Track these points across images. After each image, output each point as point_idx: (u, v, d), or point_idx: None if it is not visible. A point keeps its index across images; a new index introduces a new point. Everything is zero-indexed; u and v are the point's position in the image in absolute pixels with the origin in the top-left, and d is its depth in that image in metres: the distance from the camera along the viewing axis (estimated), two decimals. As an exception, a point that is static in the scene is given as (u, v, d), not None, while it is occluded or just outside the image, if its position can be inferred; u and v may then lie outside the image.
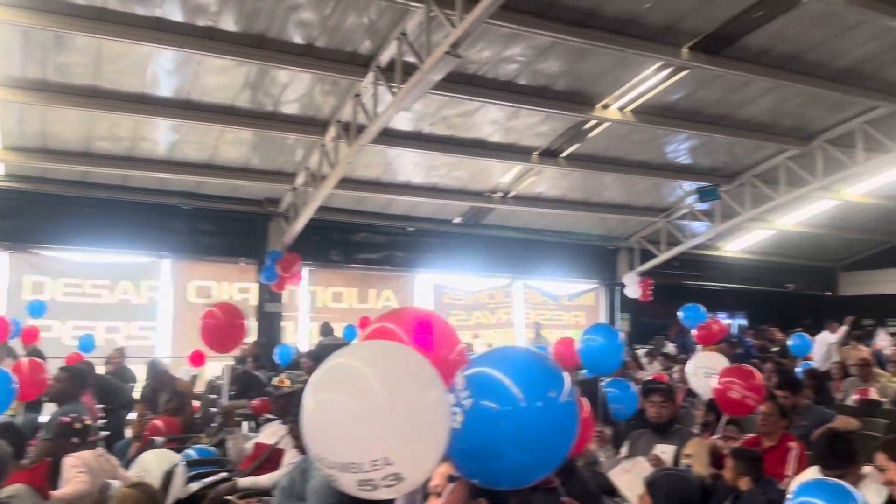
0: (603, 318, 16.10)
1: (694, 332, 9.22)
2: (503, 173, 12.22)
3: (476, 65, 8.57)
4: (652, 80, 9.28)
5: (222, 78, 8.59)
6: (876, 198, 14.11)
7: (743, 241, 16.36)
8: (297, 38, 7.78)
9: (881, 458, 3.14)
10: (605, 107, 9.93)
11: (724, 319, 17.58)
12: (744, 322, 17.13)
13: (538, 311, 15.15)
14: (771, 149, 11.82)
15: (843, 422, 5.57)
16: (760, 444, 4.52)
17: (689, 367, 5.74)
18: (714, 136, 11.06)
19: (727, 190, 12.82)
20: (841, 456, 3.38)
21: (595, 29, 7.82)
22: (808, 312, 16.48)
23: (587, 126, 10.65)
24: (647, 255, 15.15)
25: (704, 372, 5.26)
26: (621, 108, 10.02)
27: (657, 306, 15.42)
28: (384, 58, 7.93)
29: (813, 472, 3.48)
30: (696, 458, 4.02)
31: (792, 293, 17.61)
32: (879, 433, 5.69)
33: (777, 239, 16.31)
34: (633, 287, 14.90)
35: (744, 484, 3.48)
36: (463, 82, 8.85)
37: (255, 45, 7.79)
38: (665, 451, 4.17)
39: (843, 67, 9.16)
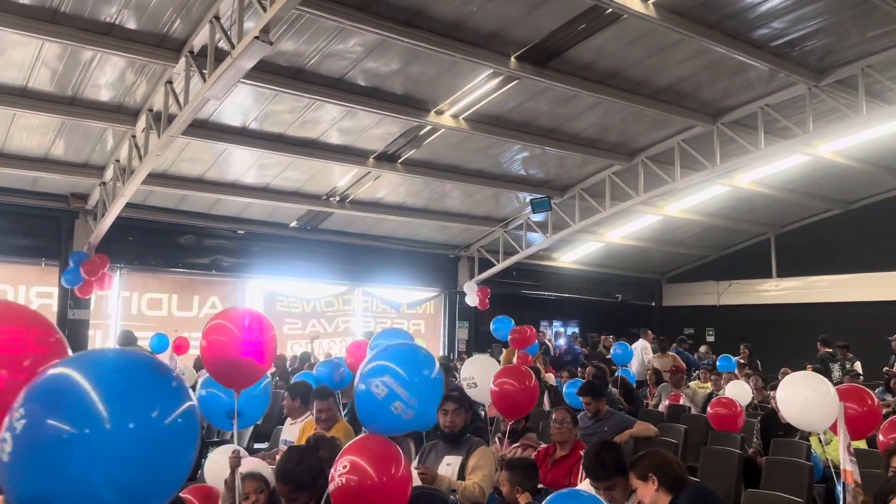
0: (443, 327, 16.10)
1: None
2: (341, 176, 11.83)
3: (303, 58, 8.15)
4: (483, 88, 9.28)
5: (14, 54, 7.59)
6: (695, 214, 15.11)
7: (576, 253, 16.98)
8: (99, 15, 6.99)
9: (631, 476, 3.10)
10: (440, 112, 9.84)
11: (558, 327, 18.26)
12: (576, 330, 17.77)
13: (378, 320, 14.84)
14: (598, 163, 12.28)
15: (641, 427, 5.68)
16: (554, 454, 4.42)
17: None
18: (546, 149, 11.29)
19: (559, 202, 13.19)
20: (608, 466, 3.30)
21: (423, 30, 7.65)
22: (636, 321, 17.38)
23: (423, 131, 10.52)
24: (486, 264, 15.32)
25: (467, 383, 5.15)
26: (455, 115, 9.96)
27: (495, 315, 15.62)
28: (197, 42, 7.33)
29: (586, 484, 3.37)
30: (480, 469, 3.84)
31: (621, 303, 18.53)
32: (677, 440, 5.86)
33: (607, 251, 17.08)
34: (472, 295, 14.98)
35: (522, 500, 3.30)
36: (290, 76, 8.42)
37: (47, 19, 6.92)
38: (451, 462, 3.96)
39: (662, 86, 9.61)
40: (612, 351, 10.80)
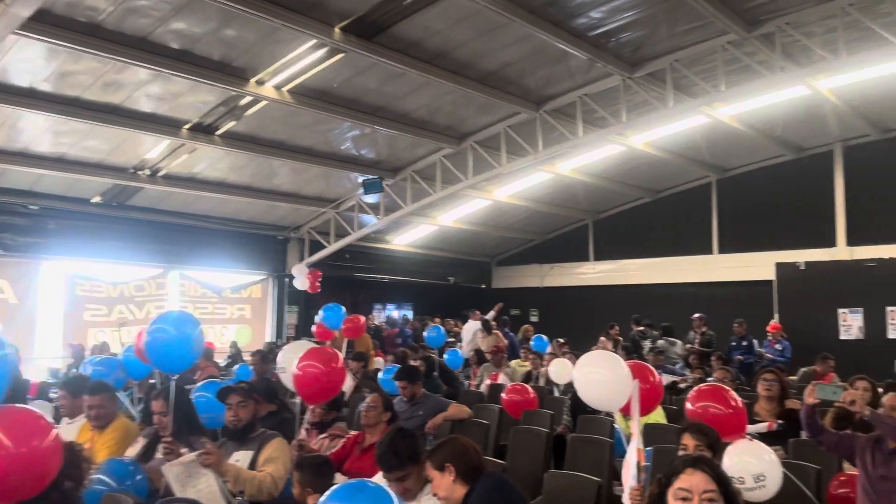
0: (271, 311, 15.44)
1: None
2: (151, 148, 10.83)
3: (99, 13, 7.26)
4: (308, 59, 8.82)
5: None
6: (522, 199, 15.56)
7: (410, 236, 16.94)
8: None
9: (427, 466, 2.96)
10: (261, 83, 9.24)
11: (392, 310, 18.18)
12: (409, 313, 17.78)
13: (197, 305, 13.88)
14: (429, 146, 12.22)
15: (455, 410, 5.60)
16: (363, 441, 4.19)
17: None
18: (376, 128, 11.03)
19: (391, 184, 13.00)
20: (401, 455, 3.12)
21: (235, -11, 7.07)
22: (467, 303, 17.69)
23: (244, 102, 9.85)
24: (317, 246, 14.84)
25: (279, 370, 4.84)
26: (278, 87, 9.42)
27: (328, 299, 15.20)
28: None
29: (379, 476, 3.17)
30: (272, 461, 3.52)
31: (453, 285, 18.78)
32: (491, 420, 5.87)
33: (440, 234, 17.19)
34: (301, 279, 14.45)
35: (311, 501, 3.03)
36: (85, 32, 7.48)
37: None
38: (240, 458, 3.60)
39: (488, 70, 9.66)
40: (426, 333, 10.78)
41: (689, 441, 3.37)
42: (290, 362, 4.78)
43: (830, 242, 14.00)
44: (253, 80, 9.13)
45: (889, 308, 11.83)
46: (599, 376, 3.37)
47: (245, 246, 14.52)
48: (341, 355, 4.52)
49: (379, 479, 3.13)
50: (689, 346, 11.93)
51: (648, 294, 15.91)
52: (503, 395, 6.67)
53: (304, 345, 5.24)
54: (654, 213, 16.65)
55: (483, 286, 19.58)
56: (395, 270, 17.49)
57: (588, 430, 5.61)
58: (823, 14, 8.64)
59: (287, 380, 4.74)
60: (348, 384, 6.94)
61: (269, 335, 15.09)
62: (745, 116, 12.15)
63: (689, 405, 4.02)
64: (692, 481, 2.08)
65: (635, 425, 3.21)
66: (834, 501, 4.03)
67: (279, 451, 3.61)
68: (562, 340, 11.67)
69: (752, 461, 3.64)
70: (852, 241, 13.78)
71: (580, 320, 15.72)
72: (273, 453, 3.58)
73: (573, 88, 10.53)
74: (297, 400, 5.22)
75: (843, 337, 12.19)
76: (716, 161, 15.17)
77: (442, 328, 11.14)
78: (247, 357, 10.77)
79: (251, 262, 14.83)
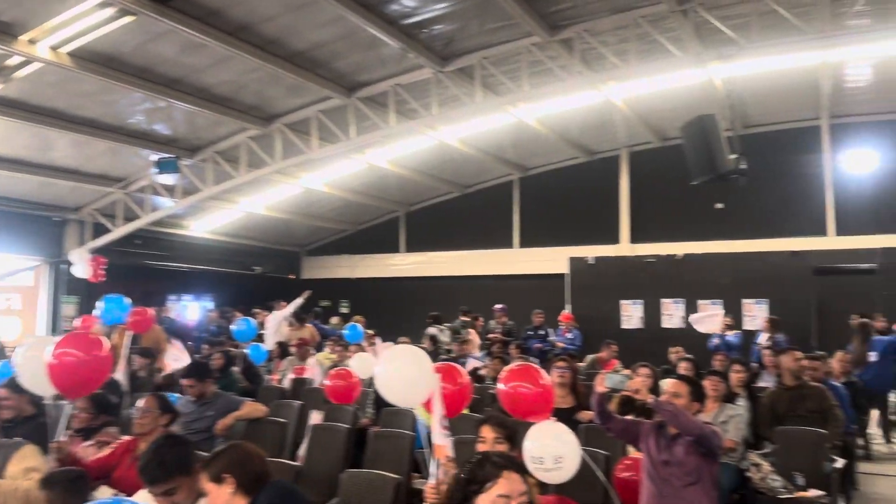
0: (45, 301, 13.70)
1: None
2: None
3: None
4: (92, 18, 7.83)
5: None
6: (335, 188, 15.20)
7: (211, 221, 15.90)
8: None
9: (203, 478, 2.64)
10: (33, 42, 8.07)
11: (190, 301, 16.98)
12: (210, 305, 16.72)
13: (-50, 294, 11.95)
14: (233, 125, 11.49)
15: (248, 408, 5.23)
16: (136, 449, 3.70)
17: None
18: (172, 102, 10.13)
19: (190, 164, 12.07)
20: (169, 465, 2.76)
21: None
22: (274, 294, 16.98)
23: (12, 63, 8.55)
24: (101, 230, 13.39)
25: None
26: (55, 48, 8.28)
27: (115, 288, 13.83)
28: None
29: (143, 495, 2.77)
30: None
31: (259, 276, 17.97)
32: (290, 418, 5.55)
33: (247, 221, 16.34)
34: (82, 266, 12.96)
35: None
36: None
37: None
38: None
39: (298, 49, 9.23)
40: (234, 327, 10.16)
41: (487, 433, 3.34)
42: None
43: (616, 239, 15.24)
44: (24, 38, 7.94)
45: (664, 300, 13.08)
46: (401, 374, 3.22)
47: (14, 227, 12.72)
48: (106, 344, 3.92)
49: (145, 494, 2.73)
50: (491, 335, 12.37)
51: (455, 286, 16.29)
52: (327, 381, 6.33)
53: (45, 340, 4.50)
54: (462, 207, 17.08)
55: (292, 277, 18.94)
56: (195, 259, 16.33)
57: (391, 424, 5.49)
58: (617, 24, 9.26)
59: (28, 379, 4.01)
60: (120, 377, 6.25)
61: (42, 328, 13.40)
62: (547, 119, 12.79)
63: (501, 385, 4.06)
64: (512, 487, 1.96)
65: (436, 422, 3.10)
66: (620, 484, 4.25)
67: (35, 461, 3.05)
68: (371, 332, 11.55)
69: (552, 443, 3.72)
70: (635, 238, 15.10)
71: (391, 312, 15.74)
72: (29, 463, 3.02)
73: (386, 77, 10.41)
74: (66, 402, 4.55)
75: (624, 326, 13.28)
76: (519, 160, 15.88)
77: (252, 320, 10.51)
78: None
79: (21, 245, 13.04)
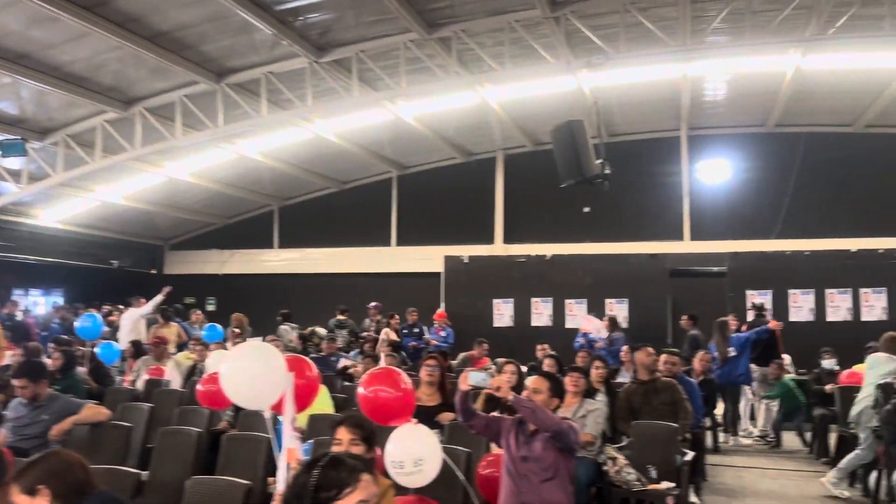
0: None
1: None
2: None
3: None
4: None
5: None
6: (203, 179, 14.46)
7: (62, 210, 14.68)
8: None
9: (13, 491, 2.35)
10: None
11: (39, 296, 15.65)
12: (60, 300, 15.46)
13: None
14: (88, 107, 10.64)
15: (89, 412, 4.81)
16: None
17: None
18: (19, 79, 9.24)
19: (38, 148, 11.08)
20: None
21: None
22: (133, 291, 15.95)
23: None
24: (-67, 217, 12.04)
25: None
26: None
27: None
28: None
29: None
30: None
31: (117, 270, 16.82)
32: (137, 421, 5.15)
33: (103, 211, 15.21)
34: None
35: None
36: None
37: None
38: None
39: (161, 29, 8.66)
40: (77, 324, 9.36)
41: (343, 434, 3.20)
42: None
43: (491, 240, 15.51)
44: None
45: (533, 299, 13.44)
46: (247, 372, 3.01)
47: None
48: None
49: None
50: (366, 333, 12.22)
51: (331, 283, 15.97)
52: (199, 387, 5.85)
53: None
54: (339, 203, 16.77)
55: (153, 271, 17.87)
56: (44, 250, 15.04)
57: (250, 427, 5.22)
58: (493, 26, 9.37)
59: None
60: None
61: None
62: (425, 117, 12.80)
63: (361, 389, 3.95)
64: (370, 490, 1.83)
65: (287, 424, 2.93)
66: (482, 481, 4.24)
67: None
68: (237, 330, 11.07)
69: (413, 445, 3.66)
70: (508, 239, 15.43)
71: (262, 309, 15.14)
72: None
73: (258, 64, 10.00)
74: None
75: (496, 324, 13.53)
76: (397, 157, 15.81)
77: (98, 316, 9.72)
78: None
79: None
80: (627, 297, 12.90)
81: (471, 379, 3.83)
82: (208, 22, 8.64)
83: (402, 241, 16.41)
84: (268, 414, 3.17)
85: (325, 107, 10.61)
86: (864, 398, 6.44)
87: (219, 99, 10.26)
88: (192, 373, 8.14)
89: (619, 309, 12.76)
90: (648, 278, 12.92)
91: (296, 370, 3.07)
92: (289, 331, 11.74)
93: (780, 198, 13.73)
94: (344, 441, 3.16)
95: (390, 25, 9.25)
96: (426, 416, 5.49)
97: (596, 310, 12.59)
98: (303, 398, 3.16)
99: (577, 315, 12.78)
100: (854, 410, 6.54)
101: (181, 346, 10.71)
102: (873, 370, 6.53)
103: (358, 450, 3.07)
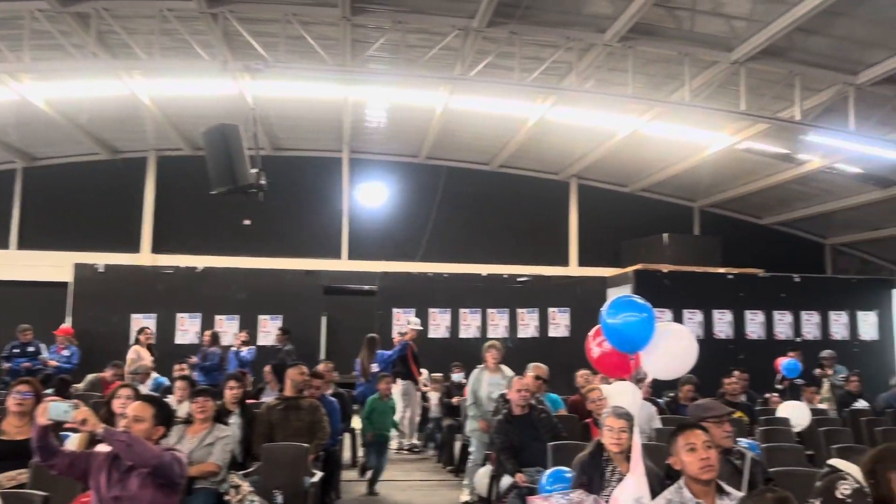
0: None
1: None
2: None
3: None
4: None
5: None
6: None
7: None
8: None
9: None
10: None
11: None
12: None
13: None
14: None
15: None
16: None
17: None
18: None
19: None
20: None
21: None
22: None
23: None
24: None
25: None
26: None
27: None
28: None
29: None
30: None
31: None
32: None
33: None
34: None
35: None
36: None
37: None
38: None
39: None
40: None
41: None
42: None
43: (136, 248, 14.05)
44: None
45: (179, 314, 12.43)
46: None
47: None
48: None
49: None
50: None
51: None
52: None
53: None
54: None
55: None
56: None
57: None
58: (144, 12, 8.50)
59: None
60: None
61: None
62: (60, 103, 11.14)
63: None
64: None
65: None
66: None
67: None
68: None
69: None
70: (157, 248, 14.14)
71: None
72: None
73: None
74: None
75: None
76: (25, 146, 13.54)
77: None
78: None
79: None
80: (282, 312, 12.66)
81: (51, 412, 3.18)
82: None
83: (24, 245, 14.00)
84: None
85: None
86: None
87: None
88: None
89: (273, 325, 12.45)
90: (304, 295, 12.86)
91: None
92: None
93: (426, 224, 14.86)
94: None
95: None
96: (13, 453, 4.57)
97: (249, 326, 12.10)
98: None
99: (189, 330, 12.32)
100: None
101: None
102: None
103: None
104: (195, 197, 13.59)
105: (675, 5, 8.17)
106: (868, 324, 13.20)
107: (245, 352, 10.90)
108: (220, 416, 5.65)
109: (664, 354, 3.56)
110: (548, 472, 4.72)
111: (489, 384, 7.08)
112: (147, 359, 9.94)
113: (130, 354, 10.05)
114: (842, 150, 10.96)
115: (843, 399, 9.15)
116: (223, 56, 8.69)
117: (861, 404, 8.83)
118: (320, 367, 7.54)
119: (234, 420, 5.98)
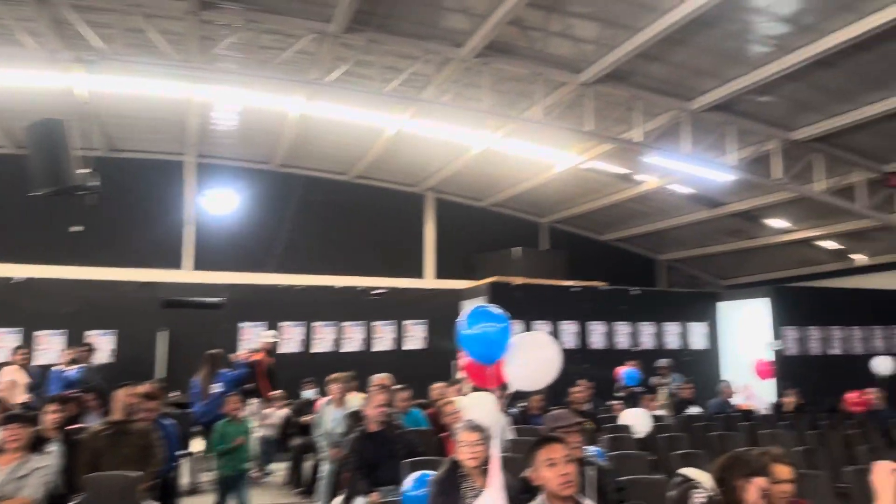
0: None
1: None
2: None
3: None
4: None
5: None
6: None
7: None
8: None
9: None
10: None
11: None
12: None
13: None
14: None
15: None
16: None
17: None
18: None
19: None
20: None
21: None
22: None
23: None
24: None
25: None
26: None
27: None
28: None
29: None
30: None
31: None
32: None
33: None
34: None
35: None
36: None
37: None
38: None
39: None
40: None
41: None
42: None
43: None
44: None
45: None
46: None
47: None
48: None
49: None
50: None
51: None
52: None
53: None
54: None
55: None
56: None
57: None
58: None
59: None
60: None
61: None
62: None
63: None
64: None
65: None
66: None
67: None
68: None
69: None
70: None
71: None
72: None
73: None
74: None
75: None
76: None
77: None
78: None
79: None
80: (116, 328, 11.61)
81: None
82: None
83: None
84: None
85: None
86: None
87: None
88: None
89: (104, 341, 11.37)
90: (139, 308, 11.86)
91: None
92: None
93: (278, 234, 14.32)
94: None
95: None
96: None
97: (76, 342, 10.96)
98: None
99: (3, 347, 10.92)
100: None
101: None
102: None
103: None
104: (19, 199, 12.19)
105: (528, 25, 8.42)
106: (698, 334, 14.28)
107: (73, 371, 9.85)
108: (37, 444, 5.03)
109: (528, 365, 3.53)
110: (412, 475, 4.58)
111: (332, 420, 6.89)
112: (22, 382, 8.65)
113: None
114: (676, 171, 11.81)
115: (678, 405, 9.75)
116: (52, 44, 7.85)
117: (694, 410, 9.45)
118: (146, 388, 6.82)
119: (54, 448, 5.34)
